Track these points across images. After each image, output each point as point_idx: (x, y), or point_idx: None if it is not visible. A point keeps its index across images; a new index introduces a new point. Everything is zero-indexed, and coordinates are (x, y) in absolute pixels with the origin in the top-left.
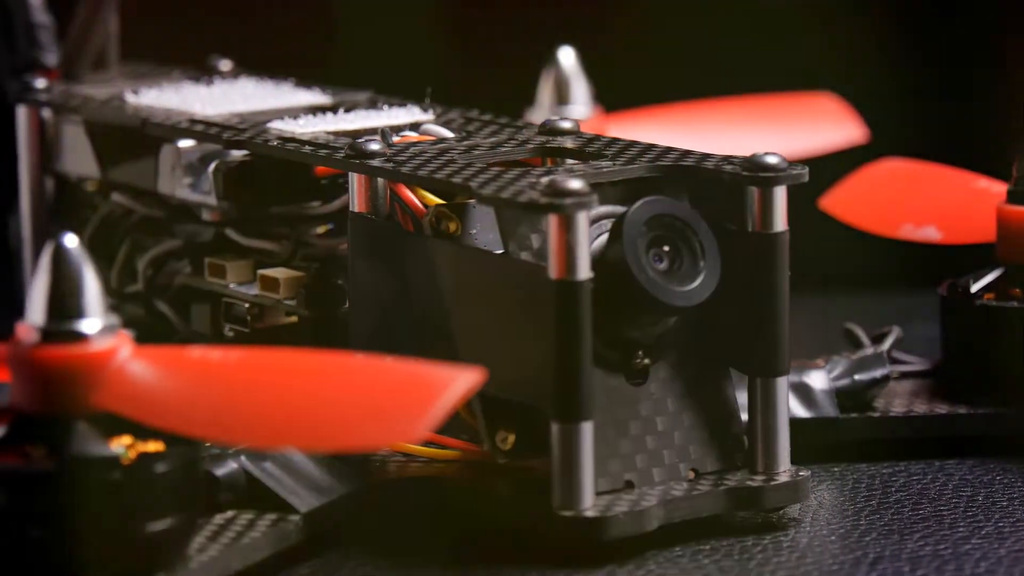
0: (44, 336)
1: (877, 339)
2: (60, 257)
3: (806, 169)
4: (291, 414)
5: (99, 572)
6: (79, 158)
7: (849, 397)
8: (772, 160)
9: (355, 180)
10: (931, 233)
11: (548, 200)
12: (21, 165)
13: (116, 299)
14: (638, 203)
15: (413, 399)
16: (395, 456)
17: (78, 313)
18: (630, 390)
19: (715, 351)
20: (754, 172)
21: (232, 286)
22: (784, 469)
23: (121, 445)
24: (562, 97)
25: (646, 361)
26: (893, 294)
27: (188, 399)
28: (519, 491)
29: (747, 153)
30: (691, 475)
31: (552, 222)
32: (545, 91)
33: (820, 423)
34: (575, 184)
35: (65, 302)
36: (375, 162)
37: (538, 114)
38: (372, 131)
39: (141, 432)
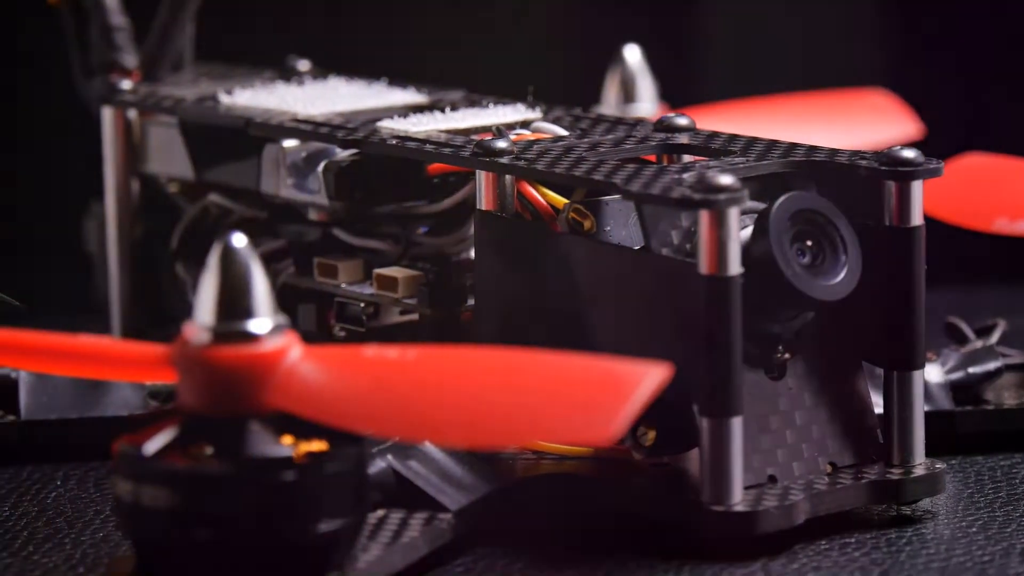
0: (215, 337)
1: (982, 332)
2: (229, 257)
3: (942, 163)
4: (484, 410)
5: (270, 573)
6: (169, 159)
7: (961, 390)
8: (909, 154)
9: (482, 178)
10: None
11: (702, 196)
12: (106, 166)
13: None
14: (782, 198)
15: (606, 396)
16: (526, 454)
17: (248, 313)
18: (769, 385)
19: (849, 345)
20: (892, 167)
21: (344, 285)
22: (920, 462)
23: (286, 445)
24: (628, 95)
25: (786, 355)
26: (978, 288)
27: (372, 397)
28: (658, 486)
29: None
30: (828, 469)
31: (704, 218)
32: (611, 89)
33: (936, 416)
34: (726, 180)
35: (235, 302)
36: (505, 160)
37: (604, 112)
38: (485, 129)
39: (302, 431)
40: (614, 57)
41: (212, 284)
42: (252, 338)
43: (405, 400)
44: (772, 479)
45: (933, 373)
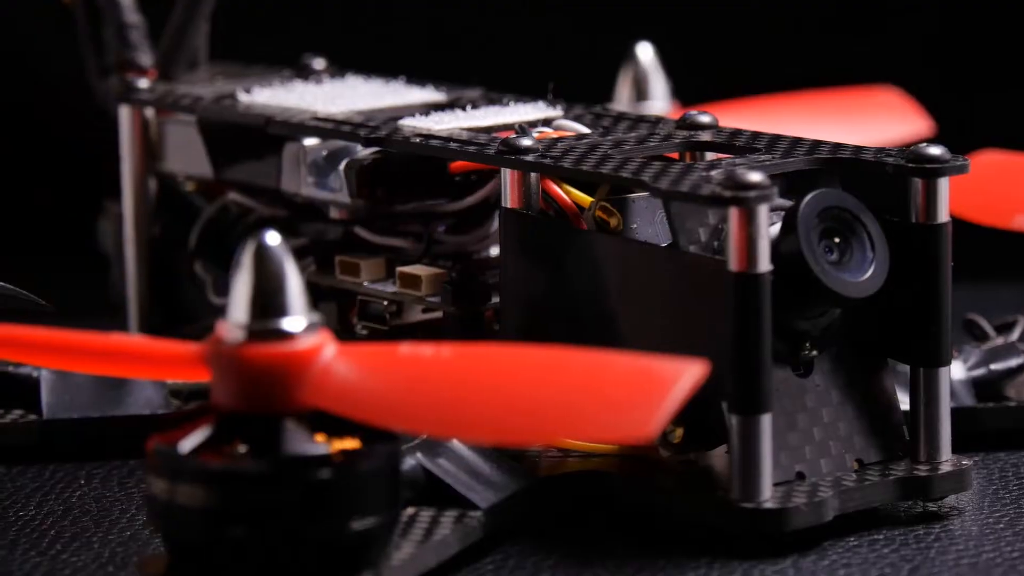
0: (249, 335)
1: (1002, 329)
2: (263, 255)
3: (968, 160)
4: (521, 408)
5: (305, 572)
6: (187, 157)
7: (983, 387)
8: (936, 151)
9: (507, 176)
10: None
11: (732, 193)
12: (124, 165)
13: None
14: (809, 195)
15: (644, 393)
16: (551, 451)
17: (282, 311)
18: (797, 382)
19: (875, 341)
20: (919, 164)
21: (366, 283)
22: (946, 458)
23: (321, 443)
24: (641, 93)
25: (813, 353)
26: (997, 285)
27: (408, 394)
28: (684, 484)
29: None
30: (855, 465)
31: (733, 215)
32: (624, 87)
33: (959, 413)
34: (756, 177)
35: (269, 300)
36: (531, 158)
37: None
38: (508, 127)
39: (335, 429)
40: (626, 55)
41: (246, 282)
42: (287, 336)
43: (441, 397)
44: (800, 476)
45: (955, 370)
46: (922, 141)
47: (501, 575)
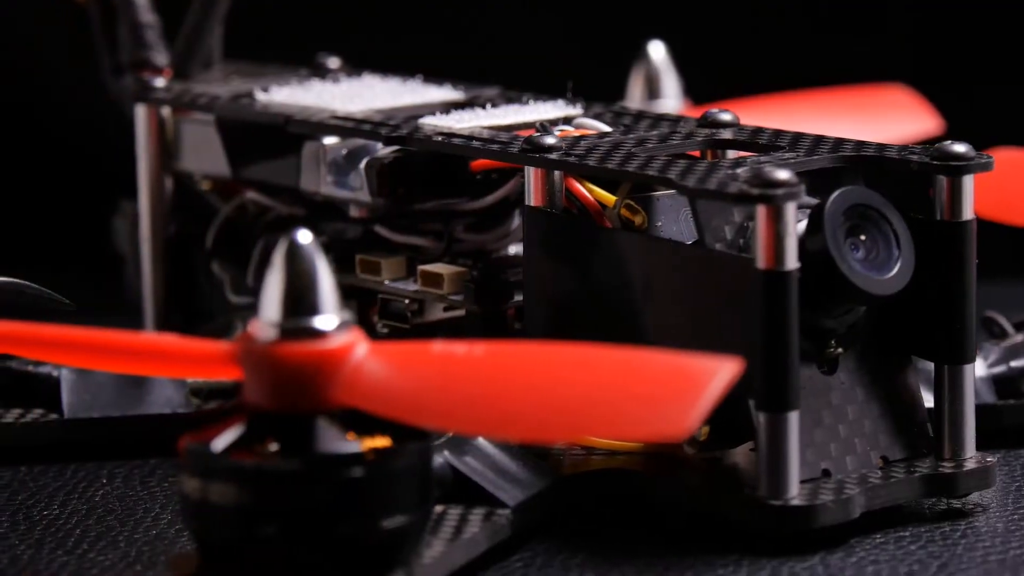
0: (282, 333)
1: (1021, 326)
2: (295, 254)
3: (993, 158)
4: (556, 405)
5: (337, 571)
6: (204, 156)
7: (1003, 384)
8: (961, 149)
9: (531, 174)
10: None
11: (760, 191)
12: (140, 164)
13: (254, 298)
14: (836, 193)
15: (680, 391)
16: (575, 450)
17: (314, 309)
18: (822, 379)
19: (899, 339)
20: (944, 161)
21: (387, 282)
22: (970, 455)
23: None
24: (653, 91)
25: (839, 350)
26: (1013, 282)
27: (442, 392)
28: (711, 482)
29: None
30: (880, 463)
31: (761, 213)
32: (636, 85)
33: (979, 410)
34: (783, 175)
35: (301, 298)
36: (554, 156)
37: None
38: (528, 125)
39: (365, 427)
40: (639, 53)
41: (278, 280)
42: (319, 334)
43: (475, 395)
44: (826, 473)
45: (976, 367)
46: (934, 139)
47: (530, 573)
